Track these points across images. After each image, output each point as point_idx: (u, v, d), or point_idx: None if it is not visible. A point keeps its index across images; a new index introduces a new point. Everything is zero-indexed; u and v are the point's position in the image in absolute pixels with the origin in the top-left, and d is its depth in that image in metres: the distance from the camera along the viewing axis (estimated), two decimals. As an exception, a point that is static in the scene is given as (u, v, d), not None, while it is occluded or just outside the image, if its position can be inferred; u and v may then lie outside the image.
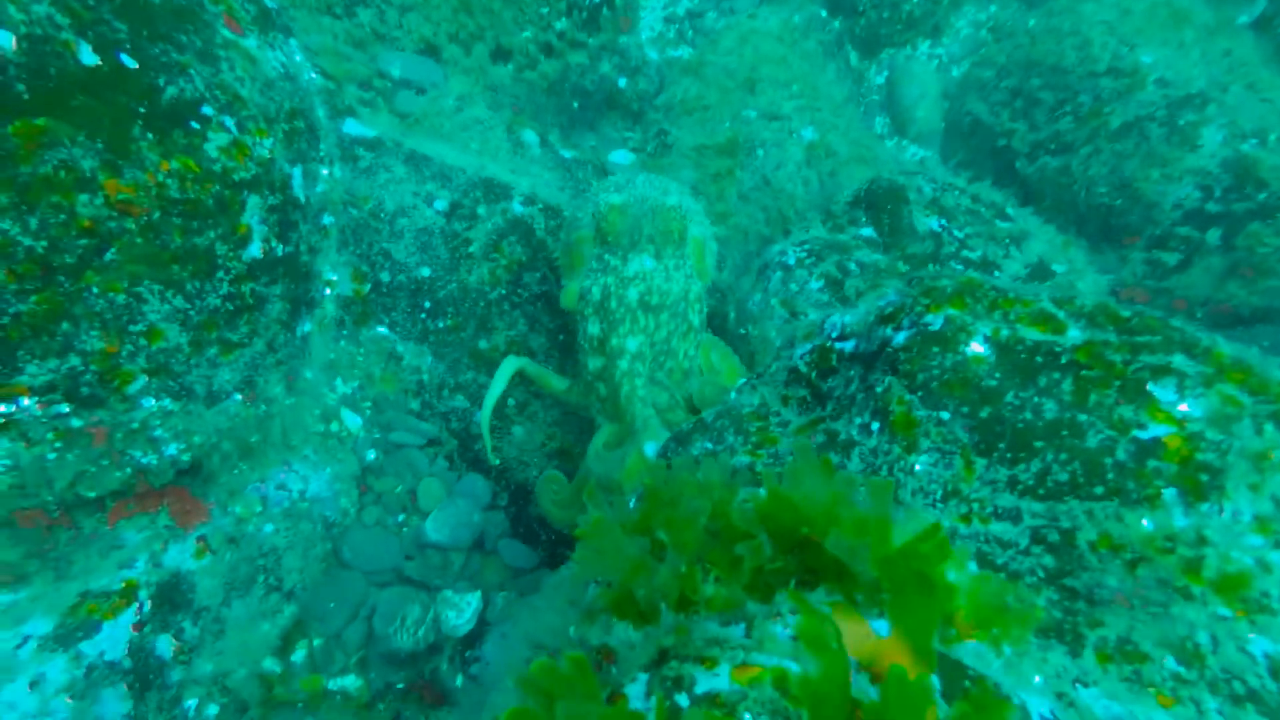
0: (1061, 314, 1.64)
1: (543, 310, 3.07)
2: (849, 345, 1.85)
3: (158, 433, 1.87)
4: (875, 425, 1.63)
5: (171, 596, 1.96)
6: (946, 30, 5.19)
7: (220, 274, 1.89)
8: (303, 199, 2.20)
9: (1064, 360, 1.55)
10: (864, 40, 5.14)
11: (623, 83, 4.16)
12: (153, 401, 1.82)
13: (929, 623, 1.08)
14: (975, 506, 1.48)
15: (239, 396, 1.98)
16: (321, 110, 2.42)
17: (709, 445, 1.84)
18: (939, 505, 1.51)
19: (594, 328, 2.48)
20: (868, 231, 3.21)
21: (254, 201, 1.94)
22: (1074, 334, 1.60)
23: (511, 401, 2.95)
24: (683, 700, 1.03)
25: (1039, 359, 1.57)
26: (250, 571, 2.14)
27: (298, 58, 2.33)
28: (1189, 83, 4.05)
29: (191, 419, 1.91)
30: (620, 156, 4.31)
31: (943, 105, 5.35)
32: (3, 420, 1.55)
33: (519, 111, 4.16)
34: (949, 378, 1.59)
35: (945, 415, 1.57)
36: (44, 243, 1.52)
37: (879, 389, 1.67)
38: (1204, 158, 3.87)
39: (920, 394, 1.61)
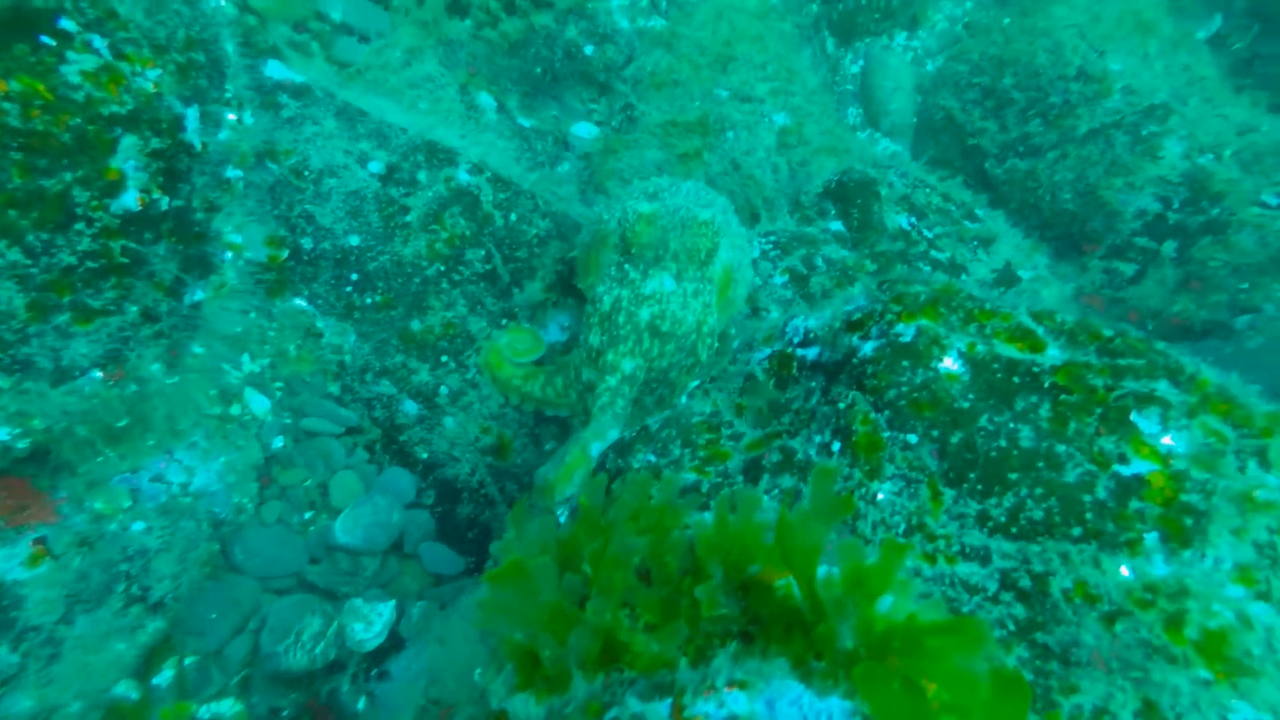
0: (1041, 330, 1.49)
1: (486, 292, 2.82)
2: (811, 352, 1.67)
3: (-14, 413, 1.58)
4: (836, 445, 1.46)
5: (-10, 614, 1.67)
6: (923, 22, 5.05)
7: (80, 225, 1.59)
8: (198, 146, 1.90)
9: (1044, 383, 1.40)
10: (841, 26, 4.96)
11: (590, 50, 3.89)
12: (-20, 376, 1.52)
13: None
14: (941, 544, 1.32)
15: (99, 374, 1.69)
16: (231, 45, 2.11)
17: (651, 458, 1.64)
18: (902, 541, 1.35)
19: (595, 338, 2.26)
20: (836, 225, 3.04)
21: (130, 142, 1.65)
22: (1053, 353, 1.45)
23: (444, 389, 2.70)
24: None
25: (1016, 379, 1.42)
26: (106, 580, 1.86)
27: (203, -18, 2.01)
28: (1153, 93, 4.02)
29: (29, 399, 1.62)
30: (583, 129, 4.05)
31: (916, 99, 5.23)
32: None
33: (475, 72, 3.85)
34: (919, 396, 1.42)
35: (913, 439, 1.40)
36: None
37: (842, 404, 1.49)
38: (1165, 168, 3.85)
39: (887, 413, 1.44)
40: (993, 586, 1.26)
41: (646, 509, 1.32)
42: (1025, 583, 1.24)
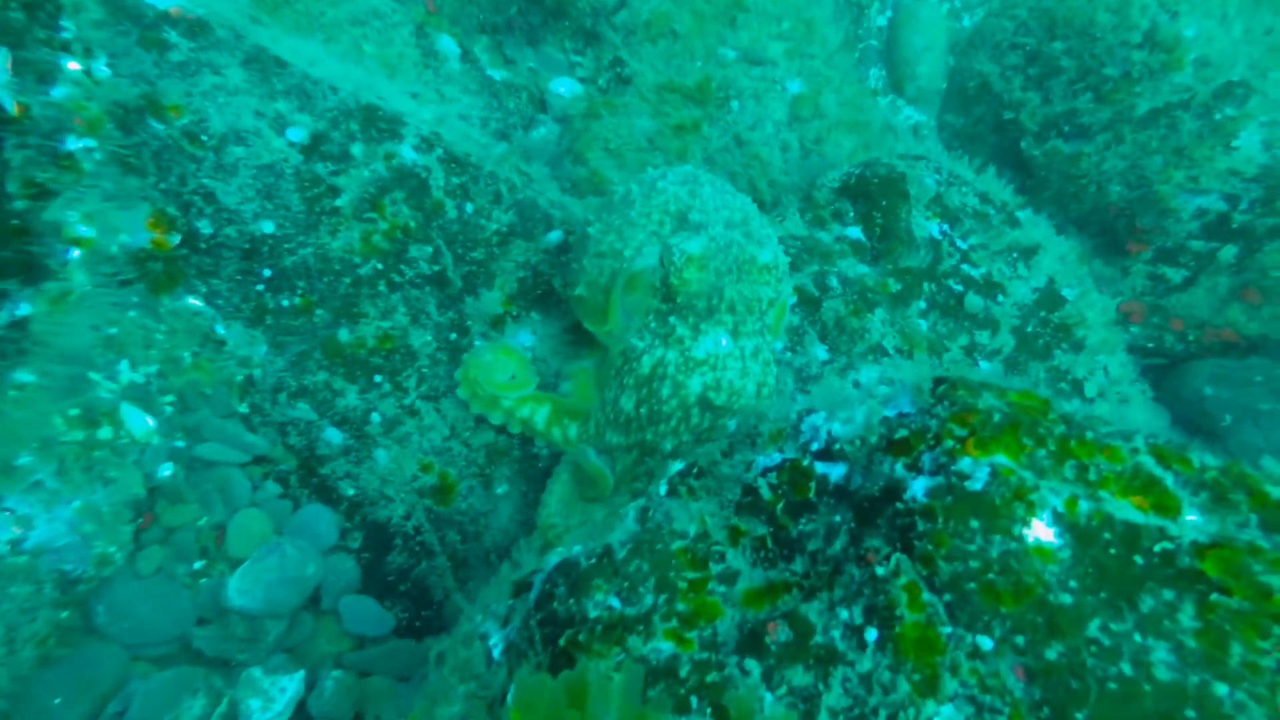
0: (1170, 479, 1.05)
1: (431, 297, 2.31)
2: (835, 471, 1.22)
3: None
4: (871, 634, 1.03)
5: None
6: (966, -29, 4.40)
7: None
8: (10, 109, 1.38)
9: (1181, 564, 0.97)
10: (871, -30, 4.30)
11: (573, -13, 3.26)
12: None
13: None
14: (1019, 813, 0.91)
15: None
16: (66, -28, 1.54)
17: (615, 603, 1.21)
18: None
19: (627, 402, 1.84)
20: (854, 231, 2.54)
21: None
22: (1193, 518, 1.01)
23: (376, 417, 2.24)
24: None
25: (1139, 559, 0.98)
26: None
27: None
28: (1230, 66, 3.39)
29: None
30: (564, 85, 3.46)
31: (948, 61, 4.63)
32: None
33: (436, 9, 3.22)
34: (996, 580, 0.99)
35: (986, 643, 0.97)
36: None
37: (881, 569, 1.06)
38: (1239, 161, 3.30)
39: (948, 596, 1.00)
40: None
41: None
42: None
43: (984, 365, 2.39)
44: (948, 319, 2.46)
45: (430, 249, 2.31)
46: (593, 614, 1.21)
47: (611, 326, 1.87)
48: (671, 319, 1.78)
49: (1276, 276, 3.40)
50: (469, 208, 2.35)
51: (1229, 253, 3.43)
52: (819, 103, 3.37)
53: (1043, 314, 2.67)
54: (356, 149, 2.29)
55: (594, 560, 1.28)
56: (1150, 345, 3.75)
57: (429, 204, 2.32)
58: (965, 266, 2.62)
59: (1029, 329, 2.57)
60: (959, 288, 2.55)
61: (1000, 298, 2.62)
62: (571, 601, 1.25)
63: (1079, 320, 2.69)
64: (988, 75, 4.16)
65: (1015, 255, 2.75)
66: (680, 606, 1.18)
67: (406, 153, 2.33)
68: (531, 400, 2.11)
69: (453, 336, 2.32)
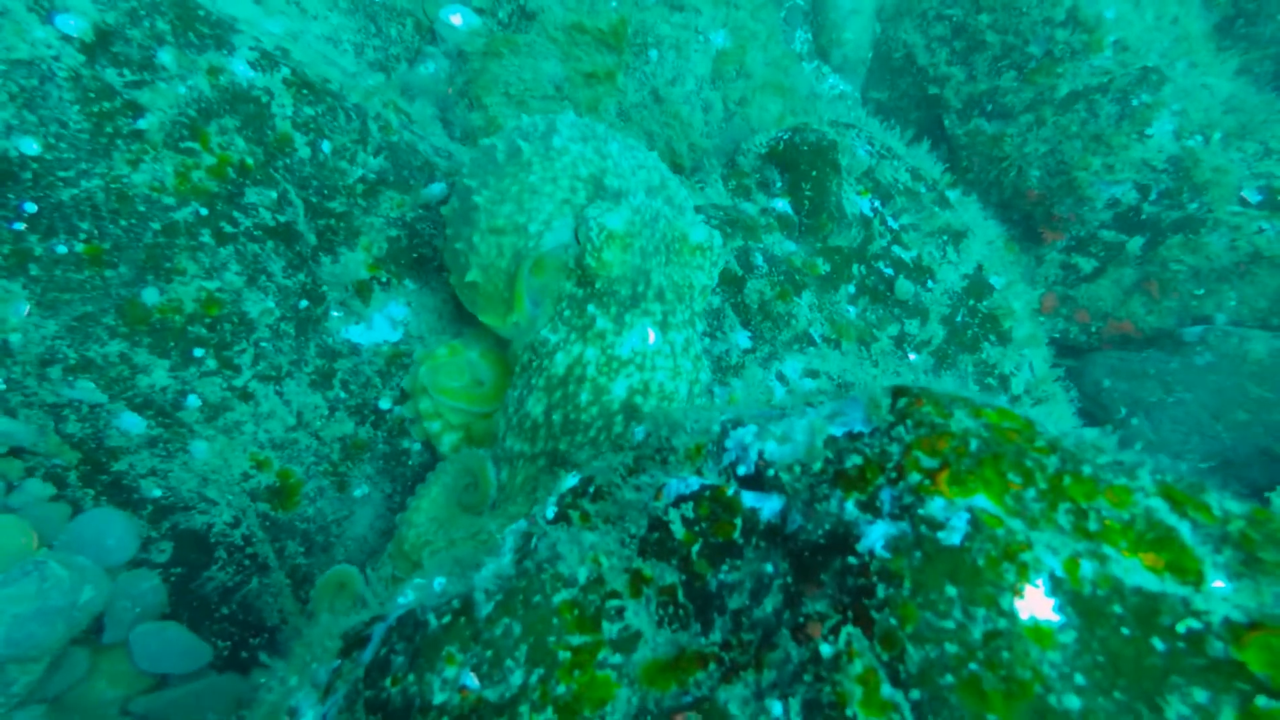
0: (1186, 530, 0.83)
1: (277, 255, 1.85)
2: (768, 506, 0.93)
3: None
4: (810, 742, 0.75)
5: None
6: (898, -65, 4.19)
7: None
8: None
9: (1213, 651, 0.74)
10: (802, -76, 4.03)
11: (471, -103, 2.77)
12: None
13: None
14: None
15: None
16: None
17: (471, 682, 0.88)
18: None
19: (536, 407, 1.52)
20: (781, 204, 2.27)
21: None
22: (1219, 585, 0.79)
23: (194, 400, 1.77)
24: None
25: (1159, 643, 0.75)
26: None
27: None
28: (1146, 52, 3.38)
29: None
30: (458, 14, 2.97)
31: (876, 29, 4.44)
32: None
33: (298, -97, 2.64)
34: (981, 674, 0.73)
35: (964, 762, 0.72)
36: None
37: (826, 648, 0.78)
38: (1151, 150, 3.29)
39: (918, 693, 0.74)
40: None
41: None
42: None
43: (914, 357, 2.20)
44: (877, 305, 2.25)
45: (274, 194, 1.84)
46: (438, 698, 0.87)
47: (519, 318, 1.54)
48: (590, 308, 1.48)
49: (1175, 270, 3.45)
50: (326, 146, 1.89)
51: (1136, 244, 3.44)
52: (745, 60, 3.08)
53: (971, 302, 2.52)
54: (167, 56, 1.77)
55: (447, 618, 0.94)
56: (1055, 336, 3.77)
57: (272, 137, 1.85)
58: (896, 248, 2.41)
59: (958, 319, 2.40)
60: (890, 271, 2.35)
61: (930, 283, 2.44)
62: (411, 678, 0.91)
63: (1006, 311, 2.56)
64: (913, 46, 3.99)
65: (945, 238, 2.57)
66: (560, 689, 0.87)
67: (239, 68, 1.83)
68: (441, 420, 1.76)
69: (303, 305, 1.87)
